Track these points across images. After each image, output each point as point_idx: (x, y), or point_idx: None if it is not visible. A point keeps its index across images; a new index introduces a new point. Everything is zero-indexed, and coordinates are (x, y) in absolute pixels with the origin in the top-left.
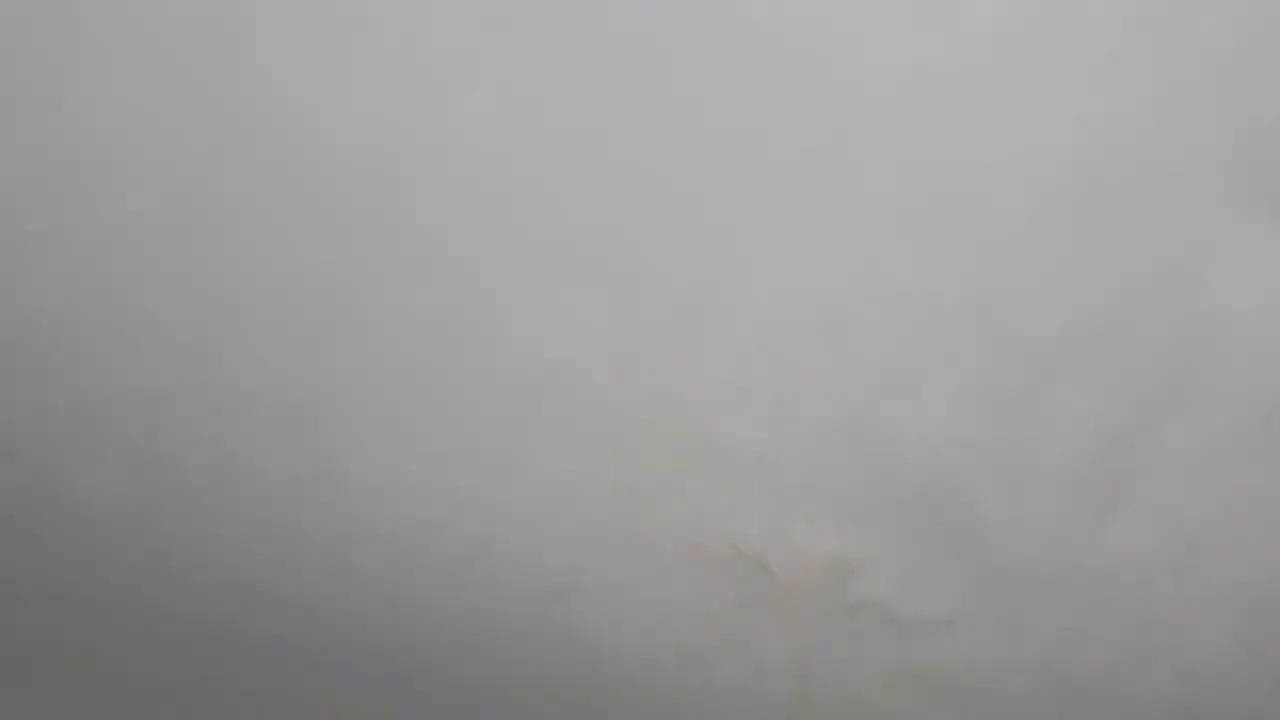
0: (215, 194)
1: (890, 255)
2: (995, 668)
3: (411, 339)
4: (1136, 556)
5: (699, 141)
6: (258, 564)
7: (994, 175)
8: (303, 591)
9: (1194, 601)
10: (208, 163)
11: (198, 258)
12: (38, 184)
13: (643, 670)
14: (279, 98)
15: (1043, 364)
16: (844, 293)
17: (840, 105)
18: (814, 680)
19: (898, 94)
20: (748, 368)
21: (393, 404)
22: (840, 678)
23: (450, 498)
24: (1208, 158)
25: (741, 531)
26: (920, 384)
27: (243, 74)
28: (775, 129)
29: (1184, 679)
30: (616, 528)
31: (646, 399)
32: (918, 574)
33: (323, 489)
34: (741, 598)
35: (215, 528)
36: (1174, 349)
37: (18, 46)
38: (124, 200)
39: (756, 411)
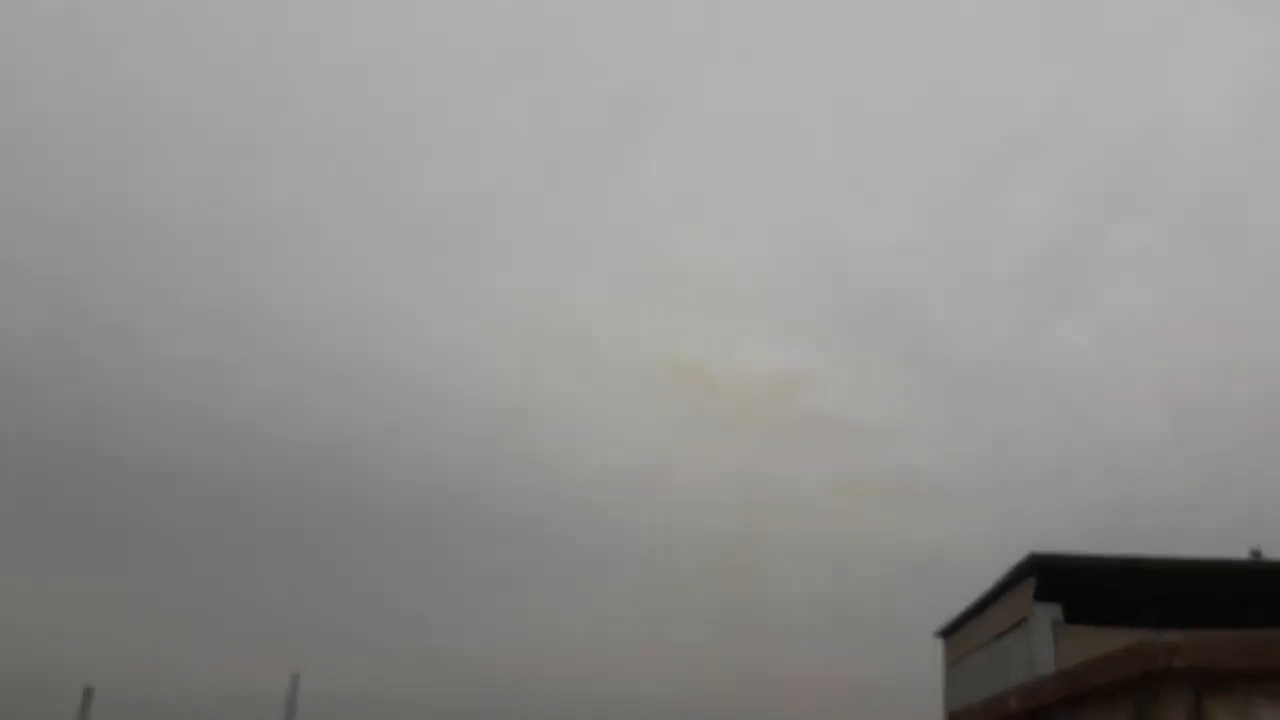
0: (117, 14)
1: (843, 60)
2: (944, 471)
3: (337, 160)
4: (1080, 356)
5: None
6: (191, 399)
7: None
8: (237, 425)
9: (1133, 399)
10: None
11: (105, 81)
12: None
13: (595, 489)
14: None
15: (995, 168)
16: (795, 100)
17: None
18: (767, 491)
19: None
20: (694, 179)
21: (321, 230)
22: (793, 487)
23: (390, 326)
24: None
25: (691, 348)
26: (873, 191)
27: None
28: None
29: (1121, 474)
30: (564, 350)
31: (588, 216)
32: (868, 383)
33: (253, 321)
34: (692, 414)
35: (143, 363)
36: (1128, 146)
37: None
38: (22, 28)
39: (704, 225)
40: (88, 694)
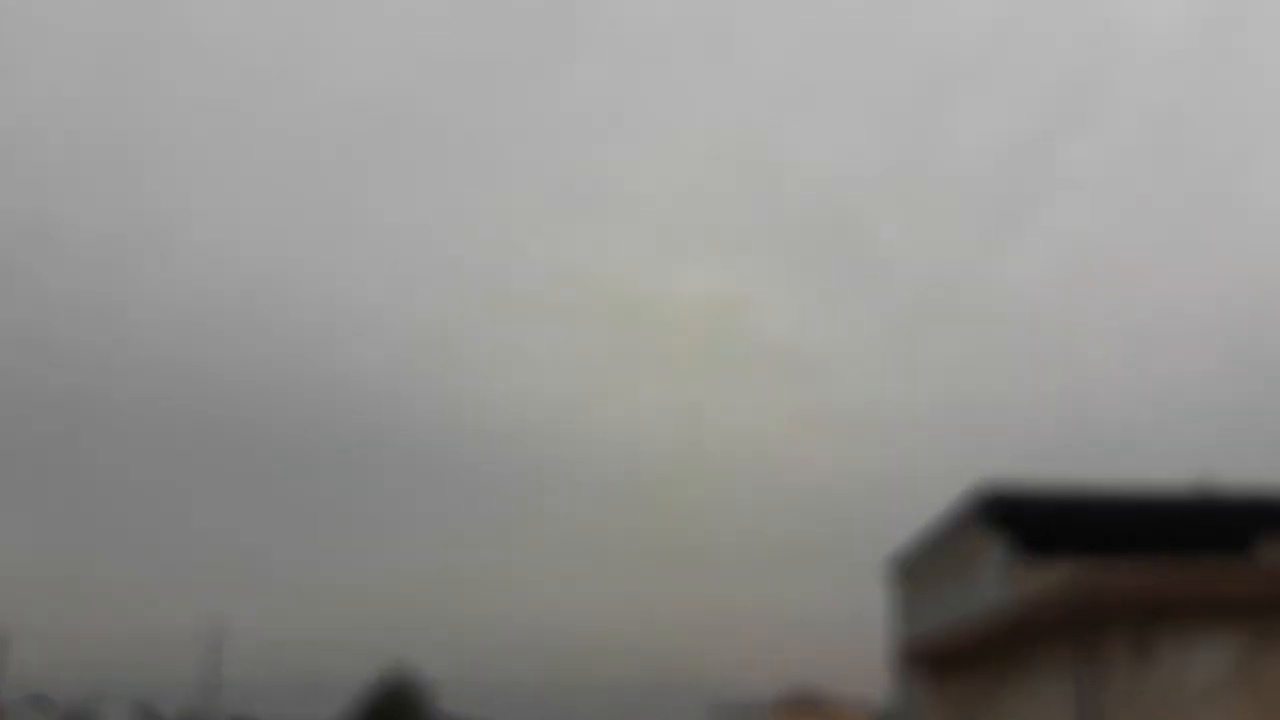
0: None
1: None
2: (892, 398)
3: (239, 64)
4: (1029, 277)
5: None
6: (93, 330)
7: None
8: (143, 354)
9: (1084, 319)
10: None
11: None
12: None
13: (515, 422)
14: None
15: (943, 84)
16: (735, 4)
17: None
18: (706, 421)
19: None
20: (625, 87)
21: (223, 147)
22: (734, 417)
23: (298, 248)
24: None
25: (621, 269)
26: (814, 101)
27: None
28: None
29: (1074, 394)
30: (483, 274)
31: (509, 126)
32: (811, 306)
33: (154, 247)
34: (622, 343)
35: (39, 293)
36: (1077, 58)
37: None
38: None
39: (634, 135)
40: (3, 643)
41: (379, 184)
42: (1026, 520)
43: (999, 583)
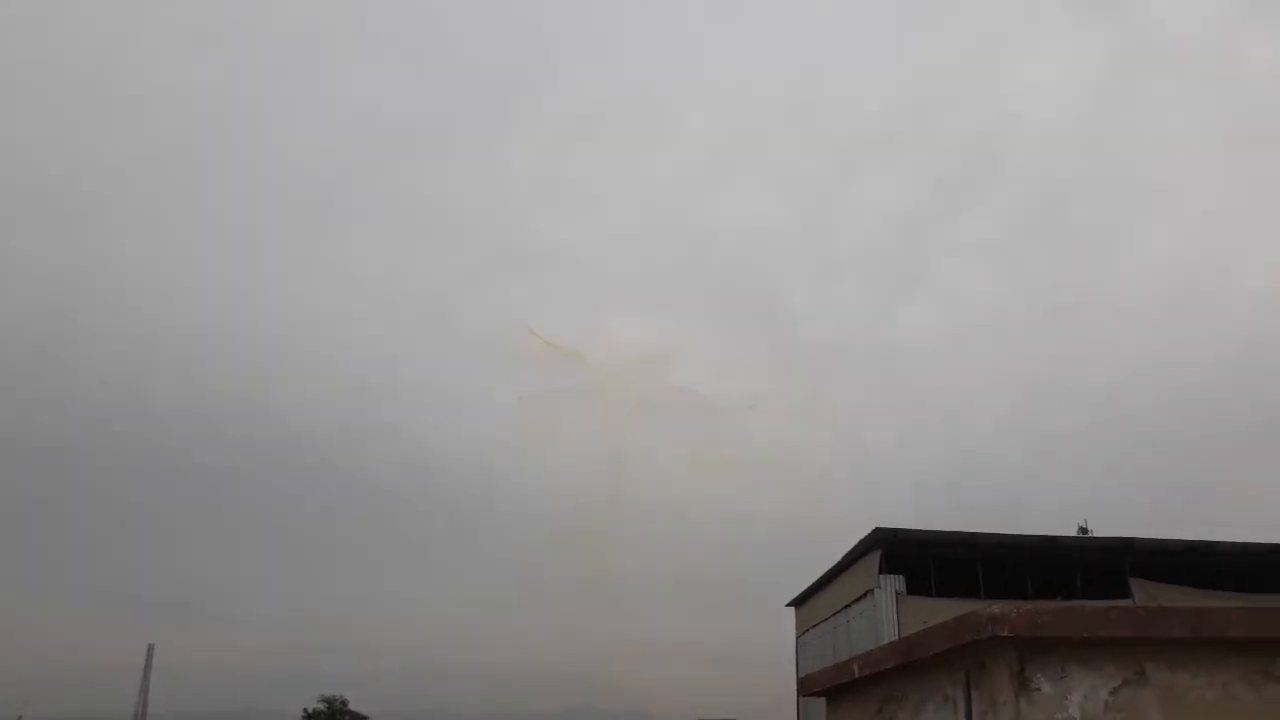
0: None
1: (707, 46)
2: (796, 444)
3: (189, 119)
4: (924, 337)
5: None
6: (34, 366)
7: None
8: (84, 391)
9: (972, 378)
10: None
11: None
12: None
13: (455, 461)
14: None
15: (848, 157)
16: (660, 84)
17: None
18: (628, 463)
19: None
20: (558, 160)
21: (174, 193)
22: (653, 460)
23: (247, 294)
24: None
25: (555, 324)
26: (734, 176)
27: None
28: None
29: (960, 449)
30: (426, 322)
31: (454, 190)
32: (725, 359)
33: (100, 285)
34: (555, 390)
35: None
36: (971, 139)
37: None
38: None
39: (569, 203)
40: None
41: (327, 236)
42: (919, 562)
43: (893, 620)
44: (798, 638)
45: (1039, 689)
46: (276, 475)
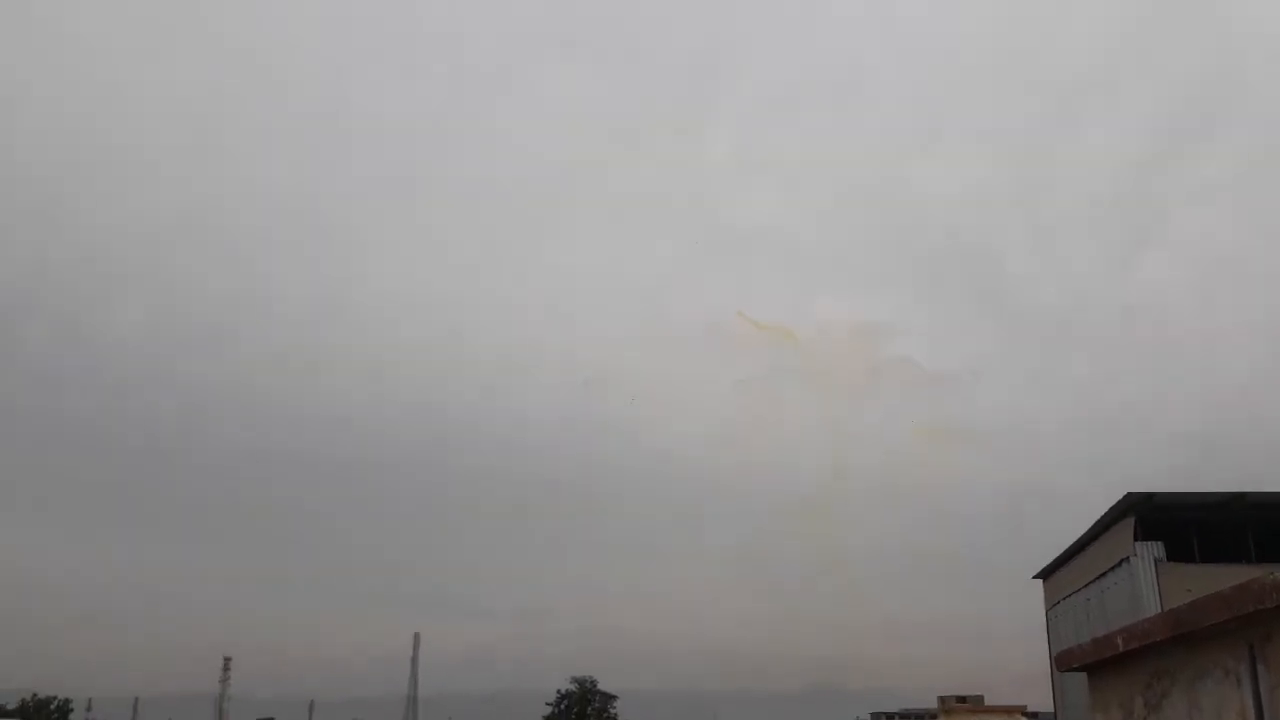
0: (195, 24)
1: (900, 8)
2: (1027, 414)
3: (408, 146)
4: (1163, 292)
5: None
6: (289, 386)
7: None
8: (336, 408)
9: (1221, 330)
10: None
11: (183, 84)
12: (24, 37)
13: (681, 448)
14: None
15: (1064, 103)
16: (854, 50)
17: None
18: (853, 443)
19: None
20: (756, 140)
21: (401, 216)
22: (879, 438)
23: (474, 303)
24: None
25: (765, 307)
26: (938, 138)
27: None
28: None
29: (1212, 408)
30: (641, 316)
31: (655, 183)
32: (948, 330)
33: (344, 308)
34: (771, 371)
35: (242, 355)
36: (1200, 74)
37: None
38: (111, 46)
39: (769, 184)
40: (227, 663)
41: (543, 240)
42: (1179, 527)
43: (1154, 591)
44: (1047, 611)
45: None
46: (515, 470)
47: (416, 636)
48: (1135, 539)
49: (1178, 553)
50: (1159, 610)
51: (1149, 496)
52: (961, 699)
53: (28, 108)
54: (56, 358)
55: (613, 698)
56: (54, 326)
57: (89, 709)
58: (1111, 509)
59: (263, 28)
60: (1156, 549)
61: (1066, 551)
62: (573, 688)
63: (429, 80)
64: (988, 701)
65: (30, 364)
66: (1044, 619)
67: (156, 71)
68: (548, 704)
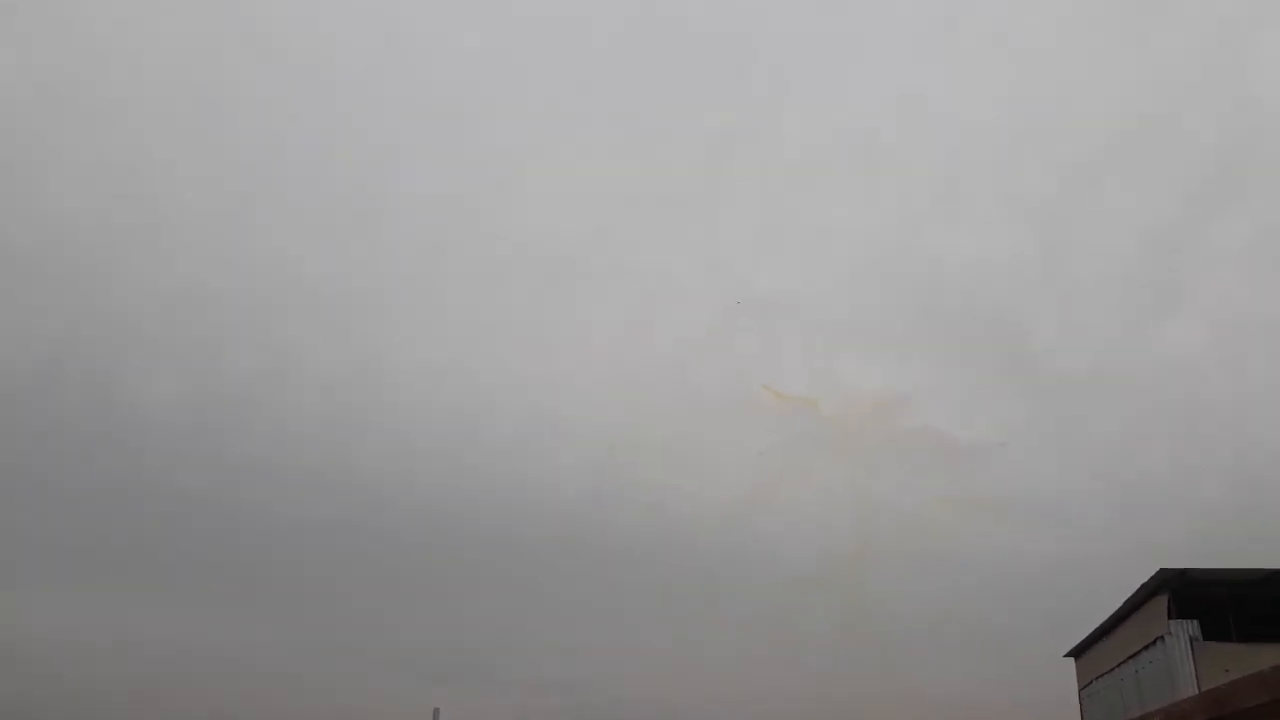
0: (227, 97)
1: (918, 78)
2: (1054, 482)
3: (432, 222)
4: (1191, 355)
5: None
6: (318, 454)
7: None
8: (364, 476)
9: (1250, 397)
10: (208, 67)
11: (215, 163)
12: (56, 104)
13: (705, 516)
14: None
15: (1086, 170)
16: (873, 120)
17: None
18: (876, 512)
19: None
20: (778, 210)
21: (426, 289)
22: (901, 507)
23: (499, 373)
24: None
25: (788, 376)
26: (958, 205)
27: None
28: None
29: (1244, 476)
30: (664, 384)
31: (680, 254)
32: (969, 398)
33: (372, 379)
34: (794, 439)
35: (271, 423)
36: (1223, 139)
37: None
38: (144, 119)
39: (791, 253)
40: None
41: (569, 309)
42: (1215, 605)
43: (1190, 670)
44: (1080, 689)
45: None
46: (533, 539)
47: (436, 712)
48: (1169, 617)
49: (1214, 631)
50: (1196, 691)
51: (1182, 572)
52: None
53: (60, 171)
54: (87, 424)
55: None
56: (85, 394)
57: None
58: (1144, 585)
59: (297, 104)
60: (1192, 627)
61: (1099, 629)
62: None
63: (455, 155)
64: None
65: (60, 430)
66: (1077, 698)
67: (191, 144)
68: None
